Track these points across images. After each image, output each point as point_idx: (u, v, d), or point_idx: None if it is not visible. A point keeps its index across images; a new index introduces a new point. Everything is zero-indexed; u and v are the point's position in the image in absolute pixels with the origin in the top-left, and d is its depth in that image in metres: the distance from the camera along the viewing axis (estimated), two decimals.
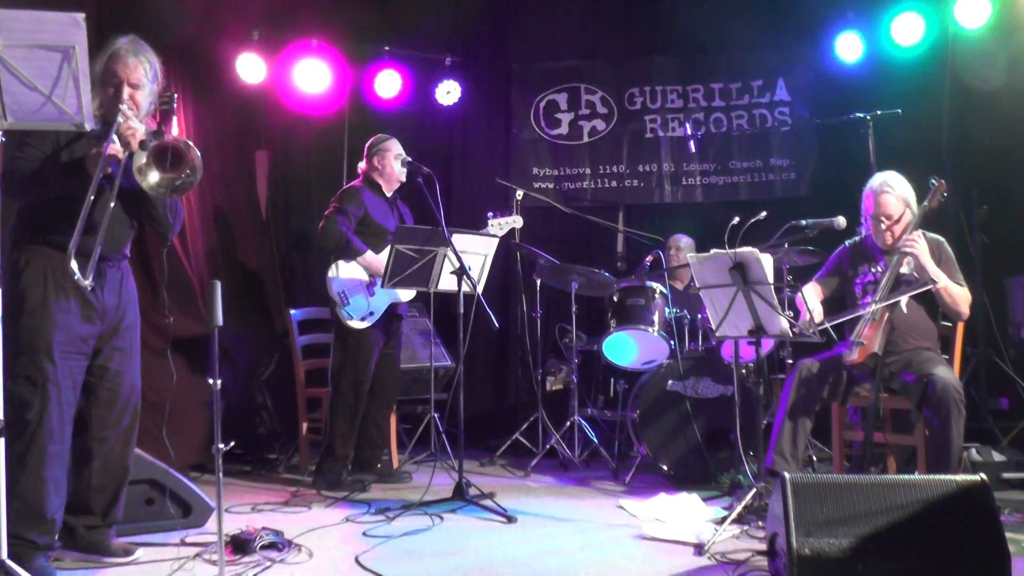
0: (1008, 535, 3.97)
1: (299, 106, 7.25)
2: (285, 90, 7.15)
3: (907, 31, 6.86)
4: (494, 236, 5.28)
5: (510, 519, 4.51)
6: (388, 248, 5.27)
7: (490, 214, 5.56)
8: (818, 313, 4.61)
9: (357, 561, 3.74)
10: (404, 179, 5.61)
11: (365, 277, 5.41)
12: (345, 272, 5.37)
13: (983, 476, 3.10)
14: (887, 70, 7.11)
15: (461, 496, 4.78)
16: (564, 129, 7.82)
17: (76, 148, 3.58)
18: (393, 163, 5.54)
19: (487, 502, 4.75)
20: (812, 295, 4.78)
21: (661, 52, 7.79)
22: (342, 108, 7.46)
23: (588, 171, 7.76)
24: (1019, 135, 6.68)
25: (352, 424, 5.41)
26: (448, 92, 7.59)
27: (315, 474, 5.42)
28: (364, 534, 4.22)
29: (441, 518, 4.54)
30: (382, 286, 5.10)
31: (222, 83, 6.81)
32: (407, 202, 5.80)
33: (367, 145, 5.64)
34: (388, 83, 7.41)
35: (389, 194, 5.62)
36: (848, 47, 7.12)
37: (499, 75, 7.95)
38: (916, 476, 3.52)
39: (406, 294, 5.48)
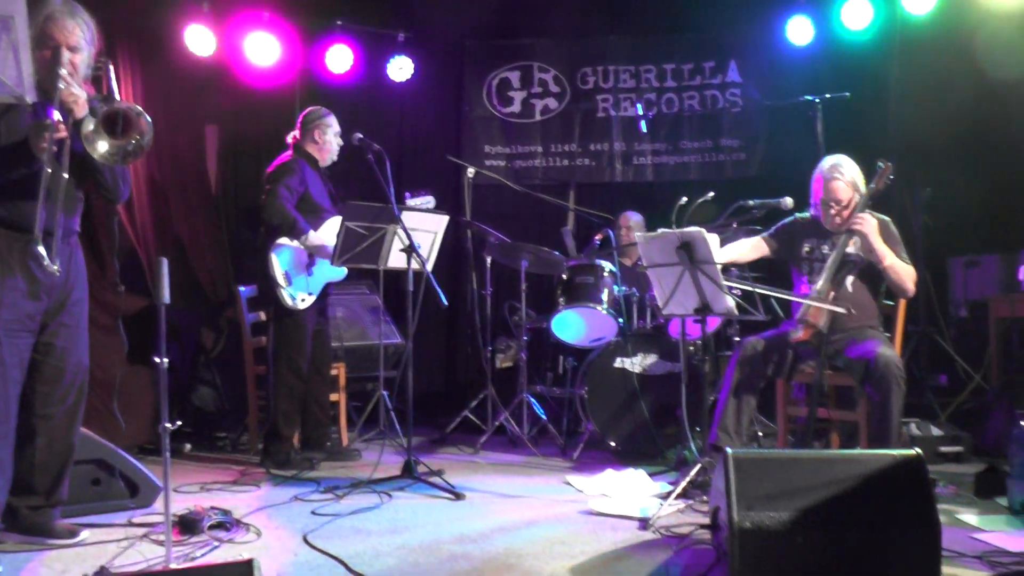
0: (942, 506, 4.14)
1: (250, 80, 7.17)
2: (236, 63, 7.08)
3: (856, 16, 6.98)
4: (444, 215, 5.25)
5: (458, 496, 4.53)
6: (326, 226, 5.25)
7: (407, 195, 5.52)
8: (723, 255, 4.63)
9: (305, 540, 3.72)
10: (336, 157, 5.58)
11: (305, 257, 5.36)
12: (288, 252, 5.31)
13: (918, 450, 3.15)
14: (836, 54, 7.23)
15: (410, 474, 4.76)
16: (516, 107, 7.83)
17: (11, 119, 3.44)
18: (332, 139, 5.50)
19: (435, 479, 4.75)
20: (736, 246, 4.87)
21: (615, 32, 7.83)
22: (293, 82, 7.40)
23: (540, 149, 7.79)
24: (962, 120, 6.83)
25: (294, 404, 5.40)
26: (400, 68, 7.57)
27: (262, 454, 5.39)
28: (313, 512, 4.21)
29: (390, 496, 4.54)
30: (332, 264, 5.05)
31: (171, 55, 6.72)
32: (333, 178, 5.75)
33: (303, 116, 5.55)
34: (340, 58, 7.37)
35: (323, 168, 5.58)
36: (799, 31, 7.22)
37: (452, 52, 7.95)
38: (854, 451, 3.60)
39: (341, 273, 5.46)
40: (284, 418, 5.35)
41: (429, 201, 5.45)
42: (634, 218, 6.79)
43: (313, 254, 5.34)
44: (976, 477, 4.56)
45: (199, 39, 6.73)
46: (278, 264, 5.27)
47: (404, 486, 4.71)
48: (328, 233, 5.31)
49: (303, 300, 5.30)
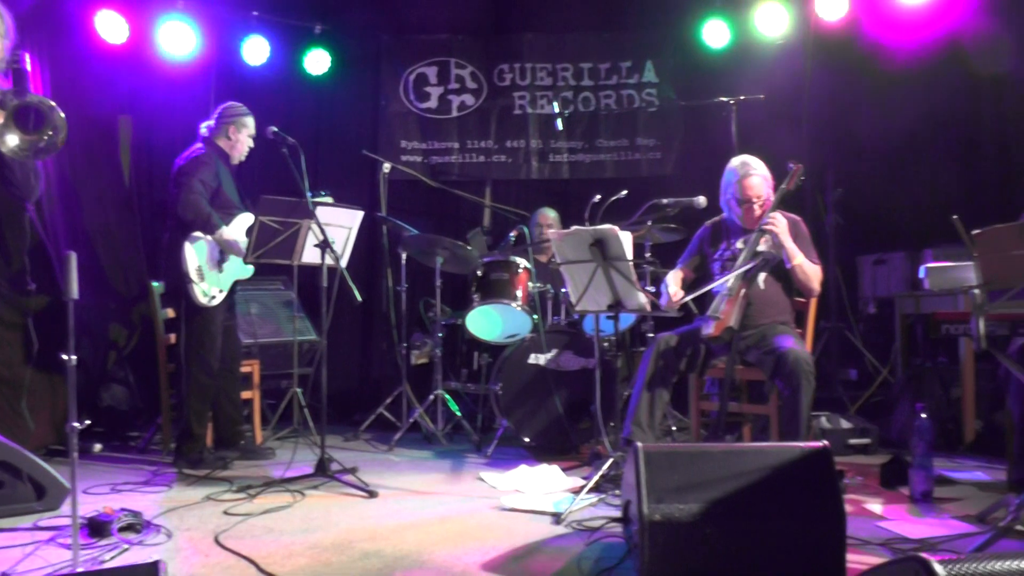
0: (850, 496, 4.30)
1: (164, 70, 7.01)
2: (150, 52, 6.91)
3: (771, 20, 7.15)
4: (359, 210, 5.21)
5: (371, 494, 4.50)
6: (236, 222, 5.20)
7: (308, 194, 5.44)
8: (678, 296, 4.76)
9: (217, 540, 3.68)
10: (244, 159, 5.50)
11: (217, 253, 5.26)
12: (201, 248, 5.18)
13: (825, 443, 3.23)
14: (752, 57, 7.37)
15: (323, 472, 4.73)
16: (433, 103, 7.80)
17: None
18: (245, 139, 5.42)
19: (349, 477, 4.72)
20: (673, 281, 4.92)
21: (532, 30, 7.84)
22: (209, 74, 7.27)
23: (456, 145, 7.77)
24: (872, 123, 7.04)
25: (206, 403, 5.31)
26: (317, 61, 7.50)
27: (175, 454, 5.29)
28: (225, 512, 4.15)
29: (303, 494, 4.50)
30: (246, 259, 5.00)
31: (81, 43, 6.52)
32: (248, 172, 5.68)
33: (222, 109, 5.43)
34: (256, 49, 7.27)
35: (232, 164, 5.49)
36: (715, 33, 7.36)
37: (369, 46, 7.87)
38: (763, 443, 3.68)
39: (249, 271, 5.40)
40: (196, 417, 5.25)
41: (328, 199, 5.41)
42: (552, 214, 6.82)
43: (224, 250, 5.25)
44: (881, 468, 4.71)
45: (110, 25, 6.55)
46: (194, 258, 5.14)
47: (318, 484, 4.67)
48: (238, 230, 5.24)
49: (214, 297, 5.21)
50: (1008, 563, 1.75)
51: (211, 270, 5.20)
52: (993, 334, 3.69)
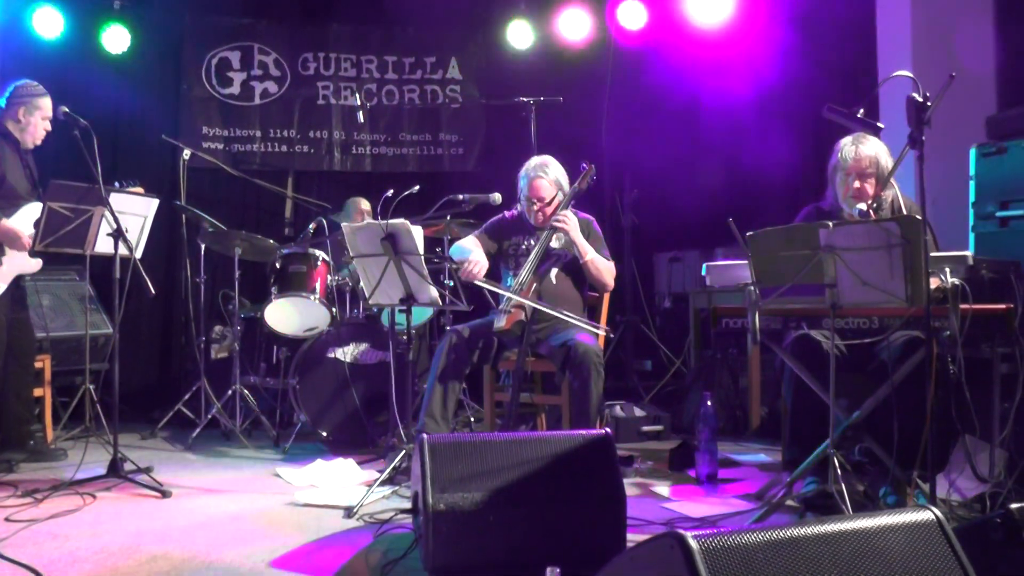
0: (640, 480, 4.56)
1: None
2: None
3: (573, 26, 7.40)
4: (154, 198, 5.04)
5: (165, 494, 4.39)
6: (22, 214, 4.92)
7: (116, 184, 5.24)
8: (481, 265, 4.79)
9: None
10: (40, 143, 5.22)
11: None
12: None
13: (607, 430, 3.40)
14: (554, 60, 7.61)
15: (116, 472, 4.56)
16: (236, 89, 7.62)
17: None
18: (39, 122, 5.12)
19: (142, 477, 4.58)
20: (473, 244, 4.98)
21: (337, 20, 7.81)
22: None
23: (259, 134, 7.62)
24: (668, 128, 7.36)
25: None
26: (116, 38, 7.17)
27: None
28: (7, 519, 3.95)
29: (94, 497, 4.34)
30: (32, 249, 4.75)
31: None
32: (37, 156, 5.35)
33: (14, 88, 5.10)
34: (49, 21, 6.90)
35: (24, 148, 5.18)
36: (519, 35, 7.55)
37: (172, 26, 7.59)
38: (547, 432, 3.80)
39: (35, 264, 5.12)
40: None
41: (138, 189, 5.22)
42: (366, 204, 6.78)
43: (3, 243, 4.95)
44: (670, 452, 4.97)
45: None
46: None
47: (110, 486, 4.52)
48: (23, 222, 4.94)
49: None
50: (759, 535, 1.88)
51: None
52: (769, 328, 3.94)
